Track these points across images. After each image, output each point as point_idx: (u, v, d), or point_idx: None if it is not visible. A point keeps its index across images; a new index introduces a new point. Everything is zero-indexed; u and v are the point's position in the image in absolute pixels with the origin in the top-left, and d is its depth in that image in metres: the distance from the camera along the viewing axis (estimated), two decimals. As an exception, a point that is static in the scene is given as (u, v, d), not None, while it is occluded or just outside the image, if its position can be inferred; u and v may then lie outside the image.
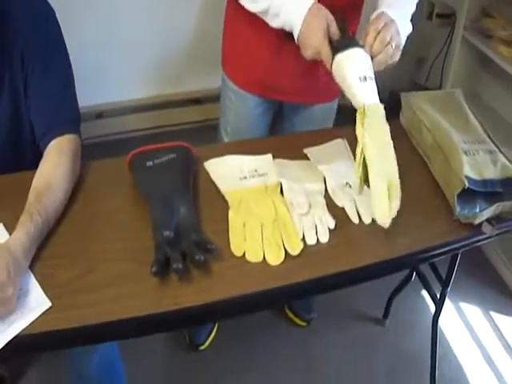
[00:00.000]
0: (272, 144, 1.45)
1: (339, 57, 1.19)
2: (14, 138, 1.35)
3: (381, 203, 1.12)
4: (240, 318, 2.16)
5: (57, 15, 1.31)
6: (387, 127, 1.16)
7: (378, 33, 1.21)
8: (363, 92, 1.17)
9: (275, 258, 1.08)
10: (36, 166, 1.20)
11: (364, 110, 1.15)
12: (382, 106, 1.17)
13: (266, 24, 1.36)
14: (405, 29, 1.31)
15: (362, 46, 1.21)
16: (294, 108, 1.76)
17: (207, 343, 2.10)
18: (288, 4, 1.26)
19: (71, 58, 1.35)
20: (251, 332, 2.17)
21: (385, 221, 1.11)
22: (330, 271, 1.08)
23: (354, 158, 1.21)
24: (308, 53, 1.25)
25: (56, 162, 1.20)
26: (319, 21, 1.22)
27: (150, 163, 1.24)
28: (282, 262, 1.08)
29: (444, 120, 1.36)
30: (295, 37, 1.26)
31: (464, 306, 2.31)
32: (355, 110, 1.17)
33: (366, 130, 1.14)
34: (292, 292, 1.08)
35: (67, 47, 1.33)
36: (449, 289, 1.73)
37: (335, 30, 1.23)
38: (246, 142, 1.57)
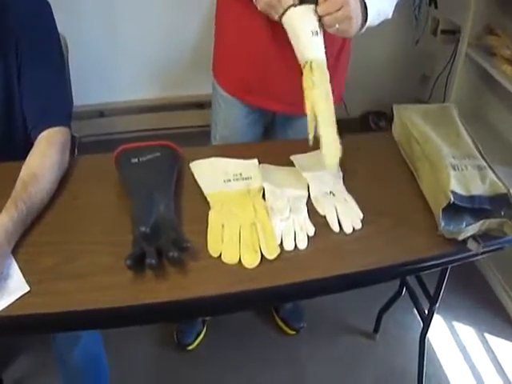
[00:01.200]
0: (259, 149, 1.45)
1: (295, 10, 1.23)
2: (6, 126, 1.38)
3: (332, 149, 1.21)
4: (229, 321, 2.17)
5: (62, 16, 1.33)
6: (328, 80, 1.24)
7: None
8: (313, 46, 1.24)
9: (251, 261, 1.08)
10: (27, 156, 1.23)
11: (311, 66, 1.21)
12: (325, 61, 1.24)
13: (253, 23, 1.38)
14: (374, 6, 1.29)
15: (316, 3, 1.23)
16: (287, 119, 1.74)
17: (195, 344, 2.11)
18: None
19: (77, 57, 1.36)
20: (240, 336, 2.17)
21: (334, 164, 1.22)
22: (305, 277, 1.07)
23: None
24: (261, 3, 1.26)
25: (44, 153, 1.23)
26: None
27: (135, 160, 1.26)
28: (258, 265, 1.08)
29: (434, 133, 1.35)
30: None
31: (457, 325, 2.29)
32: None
33: (315, 85, 1.21)
34: (265, 295, 1.08)
35: (73, 47, 1.35)
36: (437, 305, 1.71)
37: None
38: (234, 146, 1.58)
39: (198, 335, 2.12)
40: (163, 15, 2.85)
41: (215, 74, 1.70)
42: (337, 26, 1.22)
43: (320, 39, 1.24)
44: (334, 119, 1.23)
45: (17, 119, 1.37)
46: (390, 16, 1.38)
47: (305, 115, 1.68)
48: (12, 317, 0.96)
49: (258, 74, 1.55)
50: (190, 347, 2.10)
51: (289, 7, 1.23)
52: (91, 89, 2.89)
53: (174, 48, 2.99)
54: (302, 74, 1.24)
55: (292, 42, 1.26)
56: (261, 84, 1.57)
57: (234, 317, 2.18)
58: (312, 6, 1.23)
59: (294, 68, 1.33)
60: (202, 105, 3.12)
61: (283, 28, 1.26)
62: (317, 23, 1.23)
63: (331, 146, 1.21)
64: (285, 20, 1.25)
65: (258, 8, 1.28)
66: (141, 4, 2.81)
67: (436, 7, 2.98)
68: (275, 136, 1.85)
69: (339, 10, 1.20)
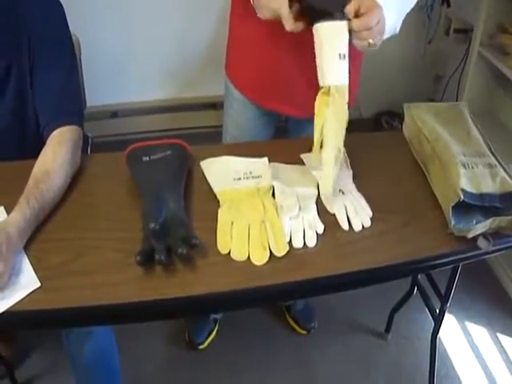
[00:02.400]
0: (269, 148, 1.46)
1: (324, 26, 1.14)
2: (19, 125, 1.40)
3: (327, 175, 1.20)
4: (239, 320, 2.18)
5: (76, 15, 1.34)
6: (346, 106, 1.19)
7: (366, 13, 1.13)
8: (338, 71, 1.17)
9: (259, 258, 1.09)
10: (39, 154, 1.25)
11: (330, 90, 1.17)
12: (347, 86, 1.18)
13: (267, 28, 1.36)
14: (390, 20, 1.21)
15: (346, 17, 1.13)
16: (299, 122, 1.71)
17: (207, 343, 2.11)
18: None
19: (90, 57, 1.38)
20: (251, 335, 2.17)
21: (328, 190, 1.21)
22: (313, 275, 1.08)
23: (347, 165, 1.28)
24: (266, 14, 1.22)
25: (56, 151, 1.25)
26: None
27: (146, 158, 1.27)
28: (267, 263, 1.08)
29: (445, 131, 1.34)
30: None
31: (469, 325, 2.28)
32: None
33: (329, 107, 1.17)
34: (274, 293, 1.08)
35: (86, 47, 1.36)
36: (448, 304, 1.71)
37: None
38: (244, 145, 1.59)
39: (210, 334, 2.13)
40: (177, 16, 2.86)
41: (228, 73, 1.69)
42: (370, 41, 1.15)
43: (346, 63, 1.16)
44: (342, 143, 1.21)
45: (29, 118, 1.39)
46: (397, 31, 1.31)
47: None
48: (23, 312, 0.98)
49: (271, 77, 1.54)
50: (202, 346, 2.10)
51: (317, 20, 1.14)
52: (104, 89, 2.90)
53: (187, 48, 3.00)
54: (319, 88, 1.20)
55: (316, 53, 1.18)
56: (273, 87, 1.56)
57: (244, 316, 2.19)
58: (344, 24, 1.13)
59: (306, 71, 1.33)
60: (215, 105, 3.13)
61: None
62: (347, 44, 1.15)
63: (327, 171, 1.21)
64: (313, 30, 1.17)
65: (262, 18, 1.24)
66: (155, 4, 2.82)
67: (449, 6, 2.97)
68: (289, 132, 1.84)
69: (377, 24, 1.14)
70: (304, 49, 1.23)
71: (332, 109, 1.17)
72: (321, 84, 1.19)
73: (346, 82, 1.17)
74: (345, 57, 1.15)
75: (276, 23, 1.19)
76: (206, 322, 2.14)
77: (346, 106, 1.19)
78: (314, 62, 1.19)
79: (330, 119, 1.17)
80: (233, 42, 1.65)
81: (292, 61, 1.47)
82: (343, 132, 1.20)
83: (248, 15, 1.40)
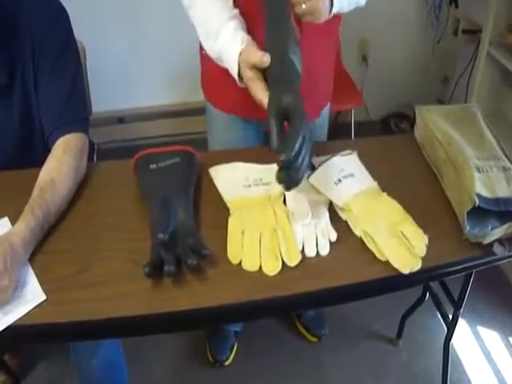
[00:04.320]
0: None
1: (312, 179, 1.25)
2: (24, 133, 1.38)
3: (395, 254, 1.10)
4: (250, 327, 2.16)
5: (81, 21, 1.33)
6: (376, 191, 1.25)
7: None
8: (340, 192, 1.23)
9: (272, 268, 1.06)
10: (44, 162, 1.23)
11: (347, 206, 1.20)
12: (361, 186, 1.24)
13: None
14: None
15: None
16: None
17: (231, 358, 2.08)
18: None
19: (95, 63, 1.36)
20: (262, 342, 2.16)
21: (405, 268, 1.08)
22: (327, 285, 1.05)
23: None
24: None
25: (61, 159, 1.23)
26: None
27: (153, 166, 1.25)
28: (279, 273, 1.06)
29: (458, 135, 1.32)
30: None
31: (482, 330, 2.25)
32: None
33: (358, 217, 1.18)
34: (287, 304, 1.05)
35: (91, 52, 1.34)
36: (461, 310, 1.68)
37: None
38: (253, 150, 1.54)
39: (232, 349, 2.09)
40: (183, 20, 2.84)
41: (206, 93, 1.64)
42: (303, 6, 1.14)
43: (349, 177, 1.27)
44: (398, 218, 1.19)
45: (35, 125, 1.37)
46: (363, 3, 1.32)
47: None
48: (29, 326, 0.96)
49: None
50: (227, 362, 2.06)
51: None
52: (110, 95, 2.90)
53: (193, 53, 2.97)
54: None
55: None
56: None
57: (254, 323, 2.17)
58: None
59: None
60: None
61: None
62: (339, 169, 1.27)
63: (391, 252, 1.11)
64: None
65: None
66: (160, 9, 2.81)
67: (457, 7, 2.95)
68: None
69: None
70: None
71: (360, 218, 1.19)
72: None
73: (356, 189, 1.25)
74: (340, 180, 1.26)
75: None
76: (227, 337, 2.10)
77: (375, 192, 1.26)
78: None
79: (366, 225, 1.16)
80: (208, 63, 1.56)
81: None
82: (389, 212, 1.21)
83: None
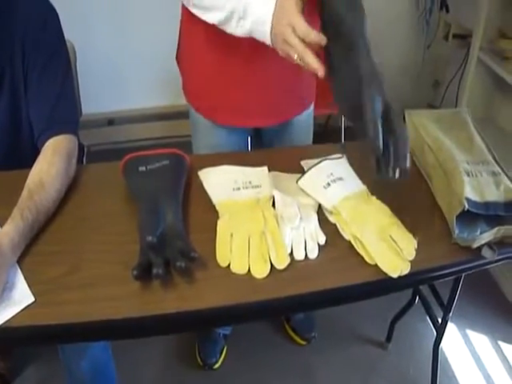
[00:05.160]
0: (268, 156, 1.43)
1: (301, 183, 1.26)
2: (13, 133, 1.37)
3: (384, 258, 1.10)
4: (239, 329, 2.15)
5: (71, 22, 1.32)
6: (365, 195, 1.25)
7: None
8: (329, 196, 1.23)
9: (260, 271, 1.06)
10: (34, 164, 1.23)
11: (335, 210, 1.20)
12: (350, 190, 1.25)
13: (228, 44, 1.35)
14: None
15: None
16: (270, 131, 1.66)
17: (220, 361, 2.07)
18: (253, 4, 1.17)
19: (85, 64, 1.36)
20: (250, 345, 2.15)
21: (394, 271, 1.08)
22: (316, 288, 1.05)
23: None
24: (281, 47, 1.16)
25: (50, 161, 1.22)
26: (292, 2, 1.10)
27: (142, 168, 1.24)
28: (268, 276, 1.06)
29: (448, 139, 1.32)
30: (267, 35, 1.17)
31: (471, 333, 2.26)
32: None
33: (346, 221, 1.18)
34: (275, 307, 1.05)
35: (82, 54, 1.34)
36: (451, 314, 1.69)
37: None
38: (243, 154, 1.56)
39: (221, 352, 2.08)
40: (174, 22, 2.83)
41: (190, 100, 1.64)
42: None
43: (338, 181, 1.28)
44: (387, 223, 1.19)
45: (24, 127, 1.36)
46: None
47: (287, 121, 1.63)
48: (17, 328, 0.95)
49: (237, 97, 1.50)
50: (216, 366, 2.06)
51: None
52: (100, 97, 2.89)
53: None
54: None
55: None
56: (240, 105, 1.52)
57: (242, 325, 2.16)
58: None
59: (271, 81, 1.39)
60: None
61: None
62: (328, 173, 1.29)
63: (380, 256, 1.11)
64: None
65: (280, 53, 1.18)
66: (151, 11, 2.81)
67: (447, 11, 2.96)
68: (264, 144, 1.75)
69: None
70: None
71: (350, 222, 1.18)
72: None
73: (344, 192, 1.25)
74: (329, 184, 1.26)
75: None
76: (216, 340, 2.09)
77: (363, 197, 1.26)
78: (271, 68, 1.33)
79: (356, 230, 1.16)
80: (192, 69, 1.59)
81: (258, 74, 1.45)
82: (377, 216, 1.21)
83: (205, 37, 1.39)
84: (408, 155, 1.08)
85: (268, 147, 1.72)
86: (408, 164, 1.07)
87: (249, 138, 1.73)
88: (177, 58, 1.66)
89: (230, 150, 1.61)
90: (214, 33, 1.30)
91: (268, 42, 1.17)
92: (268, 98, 1.51)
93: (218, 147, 1.60)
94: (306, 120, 1.69)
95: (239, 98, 1.50)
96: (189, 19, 1.43)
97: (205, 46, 1.45)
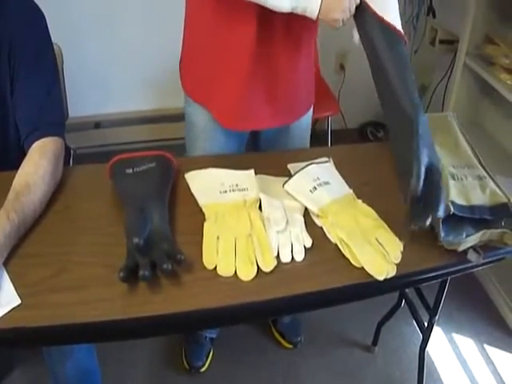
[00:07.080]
0: (256, 159, 1.44)
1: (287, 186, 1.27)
2: (0, 136, 1.37)
3: (370, 261, 1.10)
4: (224, 332, 2.14)
5: (58, 25, 1.32)
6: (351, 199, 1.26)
7: None
8: (315, 199, 1.24)
9: (247, 274, 1.06)
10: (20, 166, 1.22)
11: (322, 213, 1.21)
12: (336, 193, 1.26)
13: (233, 50, 1.36)
14: None
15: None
16: (268, 133, 1.66)
17: (207, 365, 2.06)
18: None
19: (72, 67, 1.35)
20: (236, 350, 2.14)
21: (380, 274, 1.08)
22: (302, 290, 1.05)
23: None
24: (338, 16, 1.27)
25: (37, 163, 1.22)
26: None
27: (129, 170, 1.24)
28: (254, 278, 1.06)
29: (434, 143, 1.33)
30: (315, 9, 1.23)
31: (457, 337, 2.26)
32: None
33: (333, 224, 1.19)
34: (262, 309, 1.06)
35: (68, 57, 1.33)
36: (437, 317, 1.69)
37: None
38: (230, 157, 1.55)
39: (208, 355, 2.07)
40: (160, 26, 2.84)
41: (194, 98, 1.58)
42: None
43: (324, 185, 1.29)
44: (373, 225, 1.21)
45: (10, 129, 1.36)
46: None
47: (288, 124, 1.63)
48: (2, 330, 0.95)
49: (240, 103, 1.49)
50: (203, 369, 2.04)
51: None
52: (86, 100, 2.88)
53: (170, 59, 2.97)
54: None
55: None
56: (243, 110, 1.51)
57: (228, 328, 2.16)
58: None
59: (275, 83, 1.40)
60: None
61: None
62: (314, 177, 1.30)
63: (367, 259, 1.11)
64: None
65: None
66: (137, 14, 2.81)
67: (434, 17, 2.98)
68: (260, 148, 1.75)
69: None
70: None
71: (335, 225, 1.19)
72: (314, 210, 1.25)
73: (329, 196, 1.27)
74: (315, 188, 1.27)
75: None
76: (203, 343, 2.07)
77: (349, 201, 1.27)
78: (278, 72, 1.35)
79: (341, 232, 1.17)
80: (196, 66, 1.55)
81: (261, 76, 1.45)
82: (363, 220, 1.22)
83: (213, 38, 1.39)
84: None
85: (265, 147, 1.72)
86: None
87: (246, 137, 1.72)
88: (180, 60, 1.63)
89: (230, 150, 1.61)
90: (219, 30, 1.32)
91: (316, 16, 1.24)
92: (274, 98, 1.51)
93: (216, 152, 1.59)
94: (303, 126, 1.70)
95: (244, 97, 1.49)
96: (193, 17, 1.44)
97: (210, 44, 1.44)
